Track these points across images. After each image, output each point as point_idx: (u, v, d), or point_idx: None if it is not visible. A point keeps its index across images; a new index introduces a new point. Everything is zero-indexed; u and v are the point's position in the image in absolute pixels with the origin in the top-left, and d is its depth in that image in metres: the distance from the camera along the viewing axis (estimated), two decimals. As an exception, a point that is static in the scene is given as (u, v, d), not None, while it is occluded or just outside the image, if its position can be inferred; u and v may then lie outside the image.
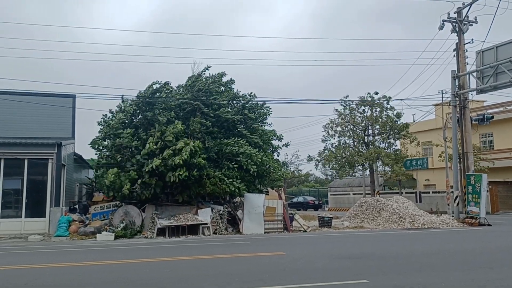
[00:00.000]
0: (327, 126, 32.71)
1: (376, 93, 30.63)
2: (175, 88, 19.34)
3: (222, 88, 19.48)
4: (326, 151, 33.21)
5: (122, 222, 16.25)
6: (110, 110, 18.32)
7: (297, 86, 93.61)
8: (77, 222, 17.22)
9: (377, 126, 31.39)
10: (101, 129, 17.66)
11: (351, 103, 31.27)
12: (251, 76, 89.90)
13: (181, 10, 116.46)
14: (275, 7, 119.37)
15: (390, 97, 30.25)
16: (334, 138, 32.77)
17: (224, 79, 19.67)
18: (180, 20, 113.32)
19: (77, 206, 19.85)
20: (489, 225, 19.35)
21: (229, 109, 18.98)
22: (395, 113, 30.62)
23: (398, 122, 30.69)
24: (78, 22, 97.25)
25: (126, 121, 17.48)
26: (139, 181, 16.23)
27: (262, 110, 20.07)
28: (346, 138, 32.26)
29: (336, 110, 32.05)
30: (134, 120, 17.82)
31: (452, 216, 21.01)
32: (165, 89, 18.08)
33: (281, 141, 20.56)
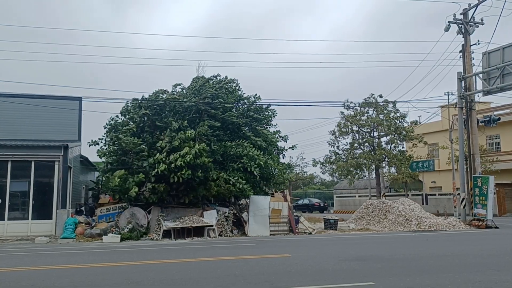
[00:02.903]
0: (334, 131, 32.68)
1: (380, 96, 30.69)
2: (183, 91, 19.39)
3: (229, 93, 19.48)
4: (333, 156, 33.12)
5: (128, 224, 16.31)
6: (119, 113, 18.47)
7: (337, 88, 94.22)
8: (83, 224, 17.31)
9: (382, 128, 31.34)
10: (106, 133, 17.76)
11: (354, 105, 31.34)
12: (292, 79, 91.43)
13: (235, 15, 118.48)
14: (329, 11, 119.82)
15: (394, 101, 30.26)
16: (341, 141, 32.76)
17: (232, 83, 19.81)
18: (234, 26, 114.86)
19: (83, 208, 19.96)
20: (496, 227, 19.21)
21: (234, 111, 19.03)
22: (399, 115, 30.59)
23: (404, 124, 30.63)
24: (136, 28, 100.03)
25: (134, 127, 17.60)
26: (149, 184, 16.31)
27: (267, 113, 20.09)
28: (352, 139, 32.22)
29: (342, 113, 32.07)
30: (141, 124, 17.91)
31: (459, 218, 20.87)
32: (173, 95, 18.26)
33: (286, 141, 20.58)
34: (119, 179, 15.93)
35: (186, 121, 17.37)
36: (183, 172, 15.81)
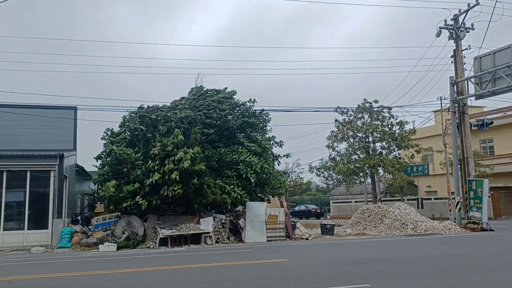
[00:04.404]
0: (331, 136, 32.76)
1: (376, 101, 30.83)
2: (182, 101, 19.51)
3: (225, 99, 19.55)
4: (330, 162, 33.21)
5: (124, 233, 16.27)
6: (115, 126, 18.66)
7: (352, 94, 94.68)
8: (79, 233, 17.24)
9: (377, 134, 31.48)
10: (105, 145, 17.86)
11: (348, 110, 31.44)
12: (308, 86, 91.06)
13: (253, 26, 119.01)
14: (347, 18, 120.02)
15: (388, 106, 30.44)
16: (339, 146, 32.87)
17: (229, 90, 20.00)
18: (251, 35, 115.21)
19: (79, 218, 19.89)
20: (491, 230, 19.33)
21: (231, 111, 19.15)
22: (397, 121, 30.71)
23: (401, 131, 30.76)
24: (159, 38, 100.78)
25: (128, 136, 17.65)
26: (142, 193, 16.30)
27: (261, 117, 20.15)
28: (348, 145, 32.33)
29: (340, 114, 32.13)
30: (136, 133, 17.97)
31: (454, 221, 20.98)
32: (168, 109, 18.47)
33: (281, 147, 20.63)
34: (113, 189, 15.97)
35: (173, 122, 17.40)
36: (175, 188, 15.75)
